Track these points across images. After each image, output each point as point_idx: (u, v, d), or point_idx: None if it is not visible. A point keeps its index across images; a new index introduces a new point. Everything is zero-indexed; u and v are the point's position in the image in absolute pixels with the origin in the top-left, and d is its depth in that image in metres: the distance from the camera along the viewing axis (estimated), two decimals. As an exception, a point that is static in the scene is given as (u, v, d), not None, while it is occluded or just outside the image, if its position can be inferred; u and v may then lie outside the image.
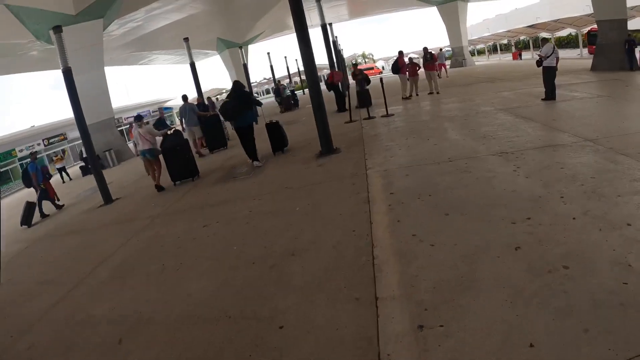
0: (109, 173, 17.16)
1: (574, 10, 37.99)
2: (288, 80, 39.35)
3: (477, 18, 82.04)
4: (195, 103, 16.11)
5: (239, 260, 5.11)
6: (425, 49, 19.29)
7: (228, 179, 9.75)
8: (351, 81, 19.29)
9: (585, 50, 34.74)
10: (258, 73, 73.23)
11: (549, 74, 11.49)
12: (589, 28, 34.52)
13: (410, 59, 17.95)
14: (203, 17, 32.47)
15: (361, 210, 5.68)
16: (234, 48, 39.61)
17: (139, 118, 10.61)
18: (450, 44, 38.55)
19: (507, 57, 49.41)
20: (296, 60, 39.92)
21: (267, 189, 8.01)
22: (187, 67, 18.87)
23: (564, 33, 46.65)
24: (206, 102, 17.72)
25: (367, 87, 16.47)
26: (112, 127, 22.36)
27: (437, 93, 17.50)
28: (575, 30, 38.33)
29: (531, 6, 66.25)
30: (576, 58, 32.08)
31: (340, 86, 18.11)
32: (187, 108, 14.76)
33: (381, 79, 15.04)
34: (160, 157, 10.44)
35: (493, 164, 6.51)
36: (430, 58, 18.05)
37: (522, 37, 49.53)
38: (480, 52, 63.35)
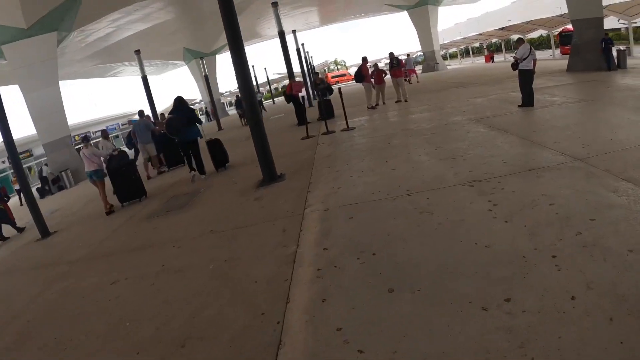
0: (63, 195, 16.21)
1: (544, 12, 37.20)
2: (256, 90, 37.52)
3: (449, 22, 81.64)
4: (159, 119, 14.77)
5: (125, 343, 3.70)
6: (391, 54, 17.34)
7: (161, 212, 8.18)
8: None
9: (558, 51, 34.08)
10: (229, 83, 70.93)
11: (526, 77, 10.12)
12: (560, 29, 33.88)
13: (375, 65, 16.52)
14: (168, 27, 30.73)
15: (282, 276, 4.09)
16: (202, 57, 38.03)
17: (86, 139, 10.37)
18: (422, 49, 37.38)
19: (479, 60, 48.77)
20: (265, 69, 38.41)
21: (192, 232, 6.41)
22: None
23: (535, 35, 46.29)
24: (158, 119, 16.07)
25: (329, 96, 14.99)
26: (69, 146, 20.38)
27: (405, 101, 16.08)
28: (547, 32, 37.69)
29: (502, 9, 65.78)
30: (549, 59, 31.20)
31: (301, 98, 16.50)
32: (141, 124, 13.46)
33: (340, 89, 13.51)
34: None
35: (462, 200, 4.98)
36: (396, 64, 16.56)
37: (494, 40, 49.07)
38: (453, 56, 62.77)
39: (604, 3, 16.47)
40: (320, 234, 4.91)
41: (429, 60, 36.85)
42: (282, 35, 17.43)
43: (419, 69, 33.23)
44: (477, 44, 53.21)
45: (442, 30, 78.42)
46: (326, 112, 14.18)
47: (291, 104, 15.76)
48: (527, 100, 10.13)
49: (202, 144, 10.49)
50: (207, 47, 37.74)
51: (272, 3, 18.75)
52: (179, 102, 10.06)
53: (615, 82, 12.53)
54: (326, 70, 76.97)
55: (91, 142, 11.13)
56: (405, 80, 22.61)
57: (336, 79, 60.07)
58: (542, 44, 49.48)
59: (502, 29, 39.24)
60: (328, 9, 41.48)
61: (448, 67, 40.42)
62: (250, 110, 8.17)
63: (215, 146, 10.85)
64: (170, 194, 9.66)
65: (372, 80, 15.76)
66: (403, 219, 4.78)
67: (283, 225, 5.52)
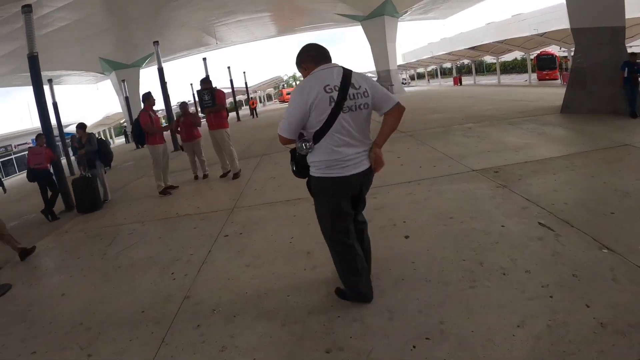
0: None
1: (520, 33, 30.45)
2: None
3: (423, 41, 75.70)
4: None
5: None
6: (203, 81, 7.86)
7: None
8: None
9: (534, 76, 28.29)
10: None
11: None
12: (538, 51, 28.30)
13: (183, 106, 8.41)
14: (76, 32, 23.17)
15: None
16: (122, 70, 30.30)
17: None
18: (375, 67, 29.90)
19: (448, 82, 41.98)
20: (191, 84, 30.71)
21: None
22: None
23: (509, 57, 39.70)
24: None
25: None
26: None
27: (235, 177, 7.69)
28: (523, 54, 31.01)
29: (477, 30, 59.82)
30: (524, 85, 24.36)
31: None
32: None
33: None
34: None
35: None
36: (210, 103, 7.56)
37: (465, 62, 42.32)
38: (421, 77, 56.17)
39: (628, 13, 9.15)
40: None
41: (382, 81, 29.40)
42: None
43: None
44: (448, 64, 46.36)
45: (415, 50, 73.01)
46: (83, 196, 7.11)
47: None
48: None
49: None
50: (128, 57, 30.01)
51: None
52: None
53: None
54: (284, 85, 69.85)
55: None
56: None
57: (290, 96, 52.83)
58: (515, 67, 43.18)
59: (473, 48, 32.37)
60: (281, 17, 34.24)
61: (408, 90, 33.28)
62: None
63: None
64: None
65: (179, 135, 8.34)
66: None
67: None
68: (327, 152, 2.52)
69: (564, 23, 22.71)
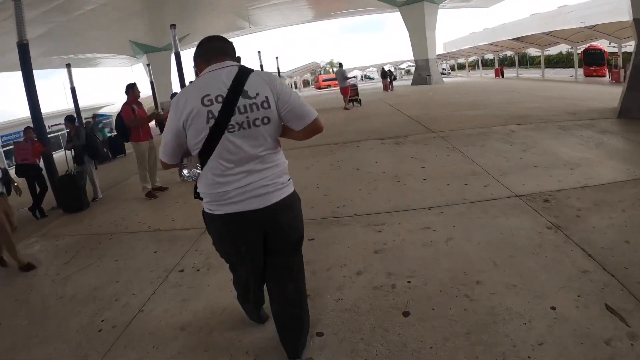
0: None
1: (565, 26, 28.25)
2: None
3: (464, 31, 72.97)
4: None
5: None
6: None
7: None
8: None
9: (581, 72, 26.09)
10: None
11: None
12: (586, 45, 26.12)
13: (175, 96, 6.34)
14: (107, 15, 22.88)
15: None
16: (153, 53, 29.94)
17: None
18: (414, 56, 28.36)
19: (489, 74, 39.86)
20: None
21: None
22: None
23: (554, 51, 37.23)
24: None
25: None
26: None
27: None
28: (569, 47, 28.82)
29: (520, 21, 56.70)
30: (570, 81, 22.55)
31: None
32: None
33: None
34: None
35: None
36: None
37: (508, 53, 39.93)
38: (462, 67, 53.94)
39: None
40: None
41: (420, 71, 27.95)
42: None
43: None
44: (490, 56, 44.08)
45: (455, 39, 70.40)
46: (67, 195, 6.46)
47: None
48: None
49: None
50: (158, 40, 29.53)
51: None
52: None
53: None
54: (321, 72, 68.59)
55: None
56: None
57: (327, 82, 52.11)
58: (560, 61, 40.56)
59: (517, 39, 30.33)
60: (317, 1, 33.06)
61: (447, 80, 31.61)
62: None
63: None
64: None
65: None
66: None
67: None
68: (209, 184, 1.88)
69: (614, 16, 20.97)
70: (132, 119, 6.14)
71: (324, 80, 55.57)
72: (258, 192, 1.84)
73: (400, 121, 10.43)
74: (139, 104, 6.41)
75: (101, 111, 41.54)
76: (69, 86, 15.88)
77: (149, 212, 5.78)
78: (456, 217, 3.92)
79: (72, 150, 6.89)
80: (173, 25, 10.58)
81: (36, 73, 7.20)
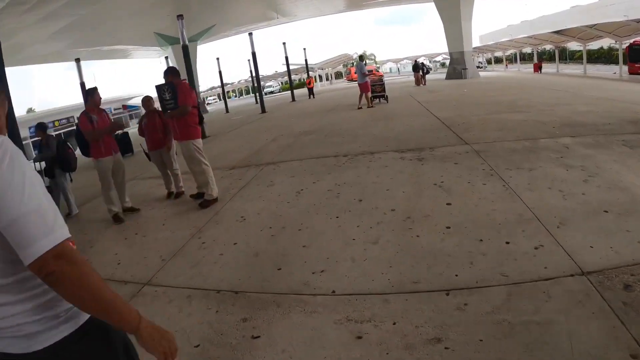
0: None
1: (607, 19, 25.89)
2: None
3: (502, 24, 69.88)
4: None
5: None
6: (166, 72, 5.66)
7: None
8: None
9: (626, 69, 23.80)
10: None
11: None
12: (631, 40, 23.88)
13: (146, 101, 6.69)
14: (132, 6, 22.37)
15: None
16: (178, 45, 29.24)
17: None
18: (449, 49, 26.64)
19: (528, 69, 37.47)
20: (249, 61, 28.98)
21: None
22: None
23: (595, 45, 34.46)
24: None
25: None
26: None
27: (204, 205, 5.46)
28: (615, 41, 26.49)
29: (560, 13, 53.51)
30: (615, 78, 20.55)
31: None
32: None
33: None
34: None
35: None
36: (171, 103, 5.39)
37: (547, 47, 37.38)
38: (499, 61, 51.34)
39: None
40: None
41: (455, 64, 26.24)
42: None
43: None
44: (528, 49, 41.62)
45: (492, 32, 67.51)
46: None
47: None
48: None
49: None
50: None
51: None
52: None
53: None
54: (353, 64, 66.77)
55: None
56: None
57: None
58: (601, 57, 37.67)
59: (557, 32, 28.17)
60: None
61: (483, 75, 29.70)
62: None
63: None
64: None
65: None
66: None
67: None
68: None
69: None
70: (89, 131, 5.09)
71: (355, 73, 53.99)
72: None
73: (427, 125, 9.11)
74: (100, 112, 5.35)
75: (131, 102, 41.57)
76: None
77: (105, 244, 4.84)
78: (488, 316, 2.47)
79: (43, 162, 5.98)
80: (180, 16, 9.69)
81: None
